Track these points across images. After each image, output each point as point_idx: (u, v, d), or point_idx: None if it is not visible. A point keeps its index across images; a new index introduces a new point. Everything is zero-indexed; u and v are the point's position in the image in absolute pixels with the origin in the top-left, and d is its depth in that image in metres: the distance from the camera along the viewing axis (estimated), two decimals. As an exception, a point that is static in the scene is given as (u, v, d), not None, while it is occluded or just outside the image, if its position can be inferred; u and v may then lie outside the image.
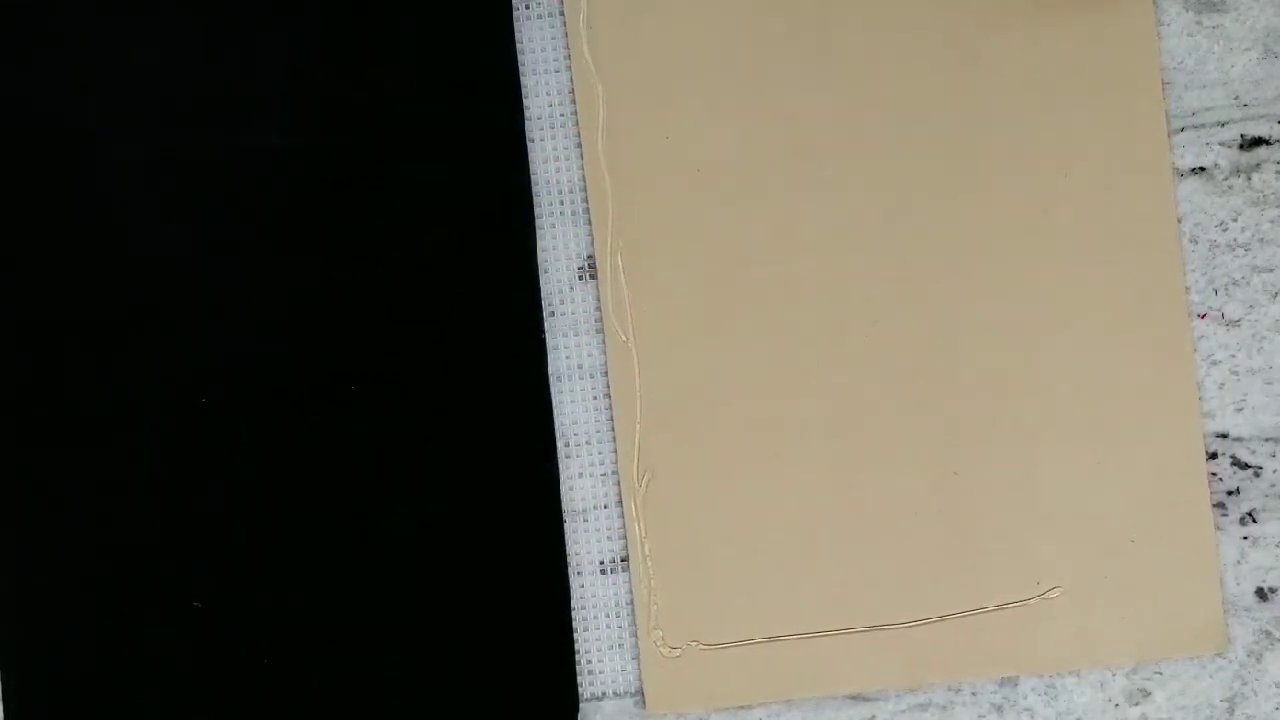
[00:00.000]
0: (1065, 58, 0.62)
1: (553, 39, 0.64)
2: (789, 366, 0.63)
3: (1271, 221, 0.63)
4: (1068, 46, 0.62)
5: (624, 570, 0.64)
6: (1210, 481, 0.63)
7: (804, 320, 0.63)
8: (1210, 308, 0.63)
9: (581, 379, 0.64)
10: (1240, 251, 0.63)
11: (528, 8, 0.64)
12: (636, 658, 0.63)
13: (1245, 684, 0.63)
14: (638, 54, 0.63)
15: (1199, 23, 0.63)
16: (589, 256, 0.64)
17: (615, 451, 0.63)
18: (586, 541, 0.64)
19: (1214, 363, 0.63)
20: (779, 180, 0.63)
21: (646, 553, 0.63)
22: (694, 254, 0.63)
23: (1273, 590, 0.63)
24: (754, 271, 0.63)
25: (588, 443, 0.64)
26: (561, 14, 0.64)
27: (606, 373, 0.64)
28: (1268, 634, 0.63)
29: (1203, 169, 0.63)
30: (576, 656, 0.64)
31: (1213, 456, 0.63)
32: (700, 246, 0.63)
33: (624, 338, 0.63)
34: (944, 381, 0.62)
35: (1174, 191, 0.63)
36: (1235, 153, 0.63)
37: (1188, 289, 0.63)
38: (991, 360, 0.62)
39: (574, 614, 0.64)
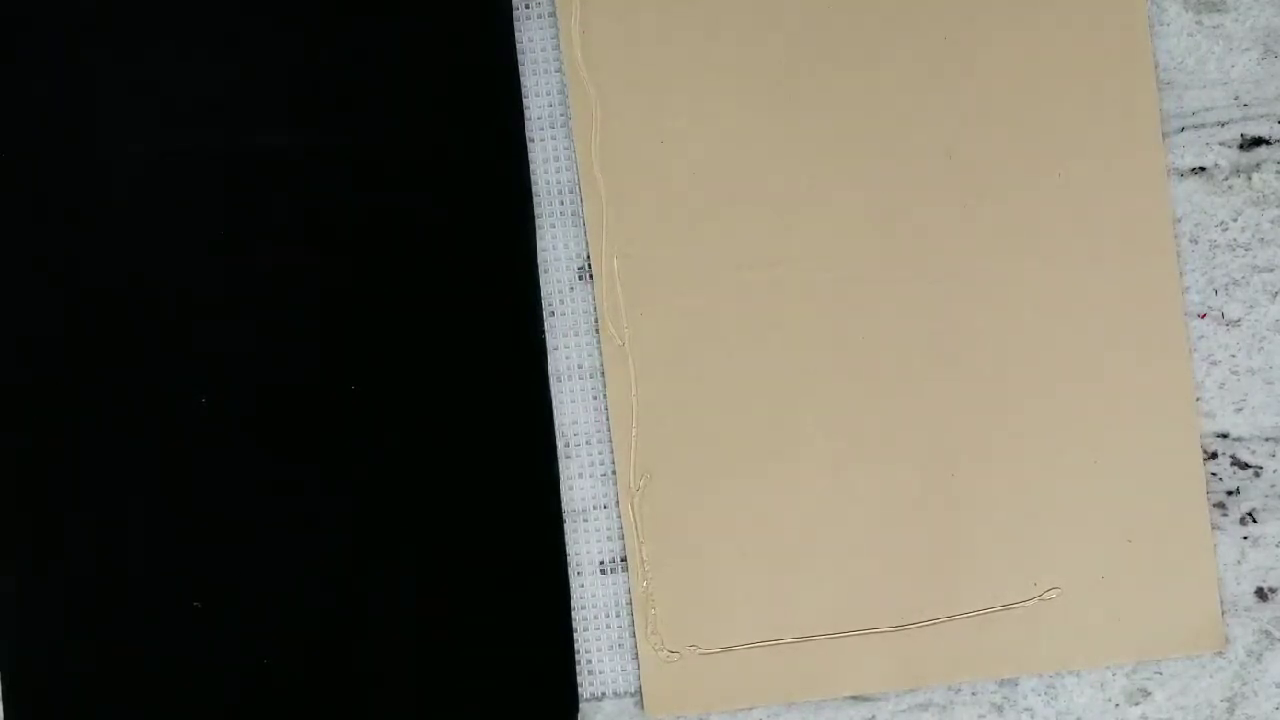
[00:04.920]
0: (1060, 58, 0.62)
1: (552, 39, 0.64)
2: (786, 368, 0.63)
3: (1271, 221, 0.63)
4: (1062, 47, 0.62)
5: (624, 570, 0.64)
6: (1210, 481, 0.63)
7: (800, 322, 0.63)
8: (1210, 308, 0.63)
9: (581, 379, 0.64)
10: (1240, 251, 0.63)
11: (527, 8, 0.64)
12: (636, 658, 0.63)
13: (1245, 684, 0.63)
14: (632, 57, 0.63)
15: (1199, 23, 0.63)
16: (589, 256, 0.64)
17: (614, 452, 0.63)
18: (586, 542, 0.64)
19: (1214, 363, 0.63)
20: (774, 182, 0.63)
21: (644, 556, 0.63)
22: (690, 256, 0.63)
23: (1273, 590, 0.63)
24: (750, 274, 0.63)
25: (587, 443, 0.64)
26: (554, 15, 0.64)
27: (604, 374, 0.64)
28: (1267, 634, 0.62)
29: (1203, 169, 0.63)
30: (576, 657, 0.64)
31: (1213, 456, 0.63)
32: (696, 249, 0.63)
33: (619, 341, 0.63)
34: (941, 382, 0.62)
35: (1170, 191, 0.63)
36: (1235, 153, 0.63)
37: (1187, 289, 0.63)
38: (988, 361, 0.62)
39: (574, 614, 0.64)
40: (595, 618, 0.64)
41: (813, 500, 0.62)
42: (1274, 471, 0.63)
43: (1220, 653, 0.62)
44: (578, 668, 0.64)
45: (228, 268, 0.63)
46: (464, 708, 0.62)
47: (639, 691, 0.63)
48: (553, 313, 0.64)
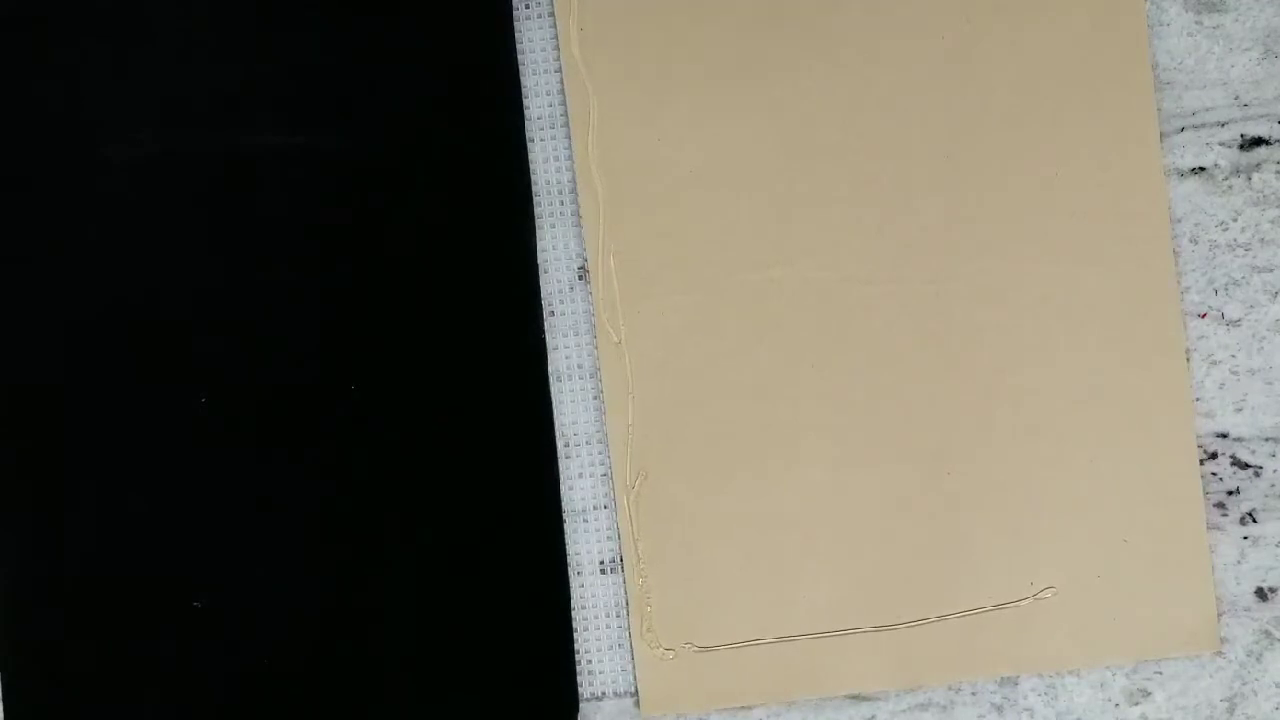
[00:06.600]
0: (1058, 59, 0.62)
1: (552, 39, 0.64)
2: (782, 368, 0.63)
3: (1271, 221, 0.63)
4: (1060, 47, 0.62)
5: (623, 570, 0.64)
6: (1210, 481, 0.63)
7: (797, 321, 0.63)
8: (1210, 308, 0.63)
9: (581, 379, 0.64)
10: (1240, 251, 0.63)
11: (527, 8, 0.64)
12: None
13: (1245, 684, 0.63)
14: (629, 57, 0.63)
15: (1199, 23, 0.63)
16: (589, 256, 0.64)
17: (611, 449, 0.63)
18: (586, 541, 0.64)
19: (1214, 363, 0.63)
20: (771, 182, 0.63)
21: (640, 554, 0.63)
22: (686, 256, 0.63)
23: (1273, 590, 0.63)
24: (747, 273, 0.63)
25: (587, 443, 0.64)
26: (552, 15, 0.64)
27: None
28: (1267, 634, 0.62)
29: (1203, 169, 0.63)
30: (576, 656, 0.64)
31: (1213, 456, 0.63)
32: (693, 248, 0.63)
33: (616, 339, 0.63)
34: (938, 382, 0.62)
35: (1167, 191, 0.63)
36: (1235, 153, 0.63)
37: (1187, 289, 0.63)
38: (985, 361, 0.62)
39: (574, 614, 0.64)
40: (595, 617, 0.64)
41: (810, 499, 0.62)
42: (1274, 471, 0.63)
43: (1219, 653, 0.62)
44: (577, 668, 0.64)
45: (228, 269, 0.63)
46: (464, 707, 0.62)
47: (638, 691, 0.63)
48: (552, 313, 0.64)
